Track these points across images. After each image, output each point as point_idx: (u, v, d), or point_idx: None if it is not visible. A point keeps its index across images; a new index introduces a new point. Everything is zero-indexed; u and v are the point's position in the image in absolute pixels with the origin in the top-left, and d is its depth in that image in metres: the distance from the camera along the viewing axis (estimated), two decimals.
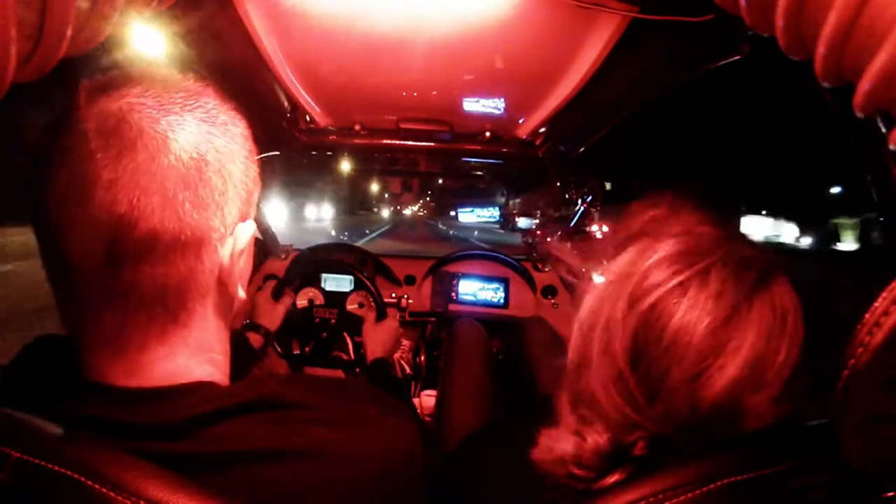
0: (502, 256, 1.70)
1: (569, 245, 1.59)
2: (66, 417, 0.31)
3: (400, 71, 0.93)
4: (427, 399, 1.35)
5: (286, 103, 1.13)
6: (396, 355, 1.44)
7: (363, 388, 0.44)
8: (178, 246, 0.33)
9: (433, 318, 1.64)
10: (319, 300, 1.47)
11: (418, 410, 1.32)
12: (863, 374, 0.28)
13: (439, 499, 0.50)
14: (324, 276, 1.49)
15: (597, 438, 0.39)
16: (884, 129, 0.38)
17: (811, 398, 0.37)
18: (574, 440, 0.40)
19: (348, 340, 1.43)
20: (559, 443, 0.41)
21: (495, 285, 1.64)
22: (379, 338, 1.17)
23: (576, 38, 0.76)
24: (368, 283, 1.39)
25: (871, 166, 0.45)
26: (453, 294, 1.63)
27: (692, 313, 0.36)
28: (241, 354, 1.08)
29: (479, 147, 1.41)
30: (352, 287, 1.48)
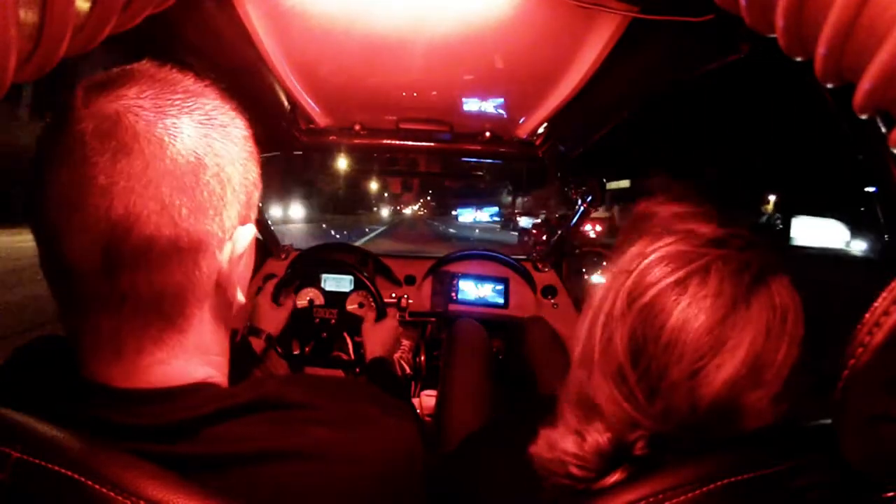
0: (502, 256, 1.70)
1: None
2: (66, 418, 0.31)
3: (400, 71, 0.93)
4: (427, 399, 1.35)
5: (286, 103, 1.13)
6: (396, 355, 1.44)
7: (363, 388, 0.44)
8: (175, 252, 0.32)
9: (433, 318, 1.64)
10: (319, 300, 1.47)
11: (418, 410, 1.32)
12: (863, 374, 0.28)
13: (439, 499, 0.50)
14: (324, 276, 1.49)
15: (597, 437, 0.39)
16: (884, 129, 0.38)
17: (811, 398, 0.37)
18: (574, 439, 0.40)
19: (348, 340, 1.43)
20: (559, 442, 0.41)
21: (495, 285, 1.64)
22: (379, 338, 1.17)
23: (576, 38, 0.76)
24: (368, 283, 1.39)
25: (872, 166, 0.45)
26: (453, 294, 1.63)
27: (691, 311, 0.36)
28: (243, 358, 1.09)
29: (479, 147, 1.41)
30: (352, 287, 1.48)
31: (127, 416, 0.32)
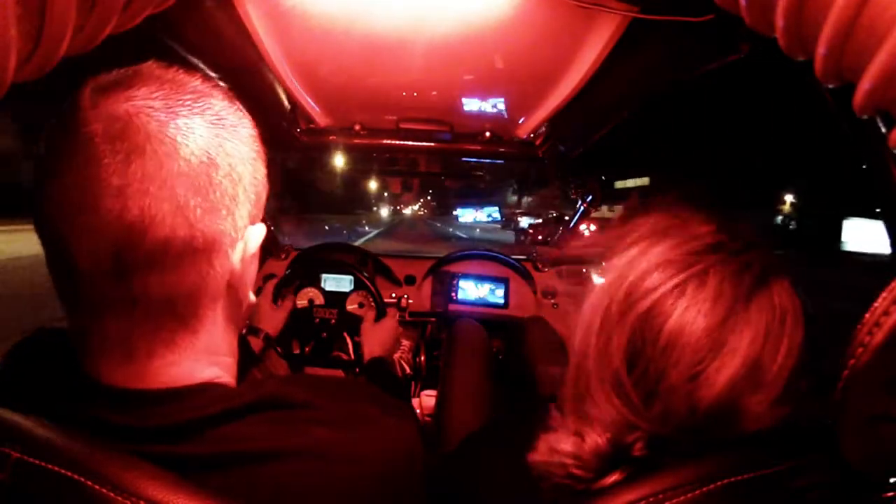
0: (502, 256, 1.70)
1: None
2: (69, 418, 0.31)
3: (400, 71, 0.93)
4: (427, 399, 1.35)
5: (286, 103, 1.13)
6: (396, 355, 1.44)
7: (363, 388, 0.44)
8: (190, 253, 0.32)
9: (433, 318, 1.64)
10: (319, 300, 1.47)
11: (418, 410, 1.32)
12: (863, 374, 0.28)
13: (439, 499, 0.50)
14: (324, 276, 1.49)
15: (596, 439, 0.39)
16: (884, 129, 0.38)
17: (811, 398, 0.37)
18: (573, 440, 0.40)
19: (348, 340, 1.43)
20: (559, 443, 0.41)
21: (495, 285, 1.64)
22: (379, 338, 1.17)
23: (576, 38, 0.76)
24: (368, 283, 1.39)
25: (872, 166, 0.45)
26: (453, 294, 1.63)
27: (689, 314, 0.36)
28: (242, 358, 1.08)
29: (479, 147, 1.41)
30: (352, 287, 1.48)
31: (133, 418, 0.32)
